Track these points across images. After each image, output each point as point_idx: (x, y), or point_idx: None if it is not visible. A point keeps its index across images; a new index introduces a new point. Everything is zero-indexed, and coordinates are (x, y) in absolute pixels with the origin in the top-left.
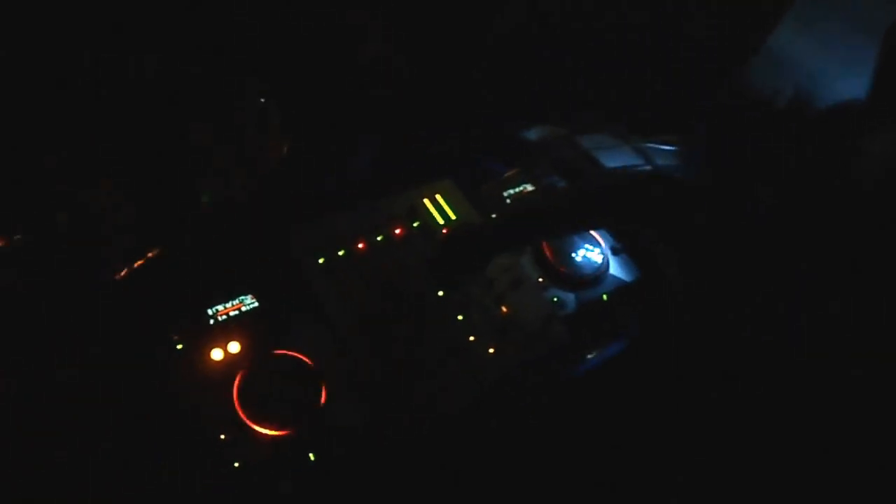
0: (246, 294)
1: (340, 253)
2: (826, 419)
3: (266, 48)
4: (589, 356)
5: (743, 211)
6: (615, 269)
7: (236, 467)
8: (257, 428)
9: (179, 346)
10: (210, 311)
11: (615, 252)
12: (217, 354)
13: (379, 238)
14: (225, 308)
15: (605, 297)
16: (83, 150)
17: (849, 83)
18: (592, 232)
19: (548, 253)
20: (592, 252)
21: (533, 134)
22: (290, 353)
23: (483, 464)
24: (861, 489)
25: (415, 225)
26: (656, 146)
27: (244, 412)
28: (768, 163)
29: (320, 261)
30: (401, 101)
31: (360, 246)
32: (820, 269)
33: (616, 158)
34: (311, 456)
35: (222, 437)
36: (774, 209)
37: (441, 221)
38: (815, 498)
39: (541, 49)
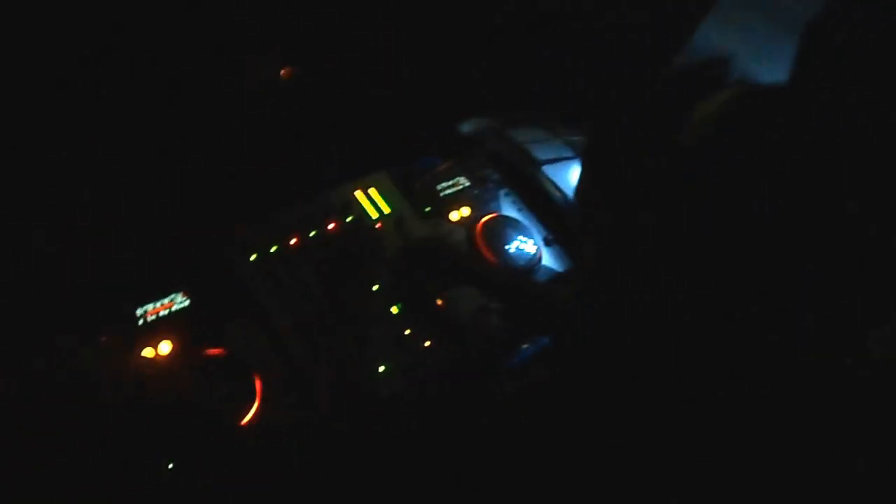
0: (176, 292)
1: (273, 249)
2: (832, 419)
3: None
4: (524, 346)
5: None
6: (548, 259)
7: (170, 468)
8: (191, 426)
9: (108, 348)
10: (139, 311)
11: (548, 243)
12: (147, 354)
13: (312, 233)
14: (155, 307)
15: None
16: None
17: (769, 77)
18: (526, 223)
19: (482, 245)
20: (525, 243)
21: (467, 127)
22: (222, 351)
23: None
24: (866, 489)
25: (348, 219)
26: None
27: (177, 411)
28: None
29: (252, 258)
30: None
31: (293, 242)
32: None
33: (547, 151)
34: (247, 454)
35: (155, 436)
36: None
37: (375, 215)
38: (819, 498)
39: (473, 41)
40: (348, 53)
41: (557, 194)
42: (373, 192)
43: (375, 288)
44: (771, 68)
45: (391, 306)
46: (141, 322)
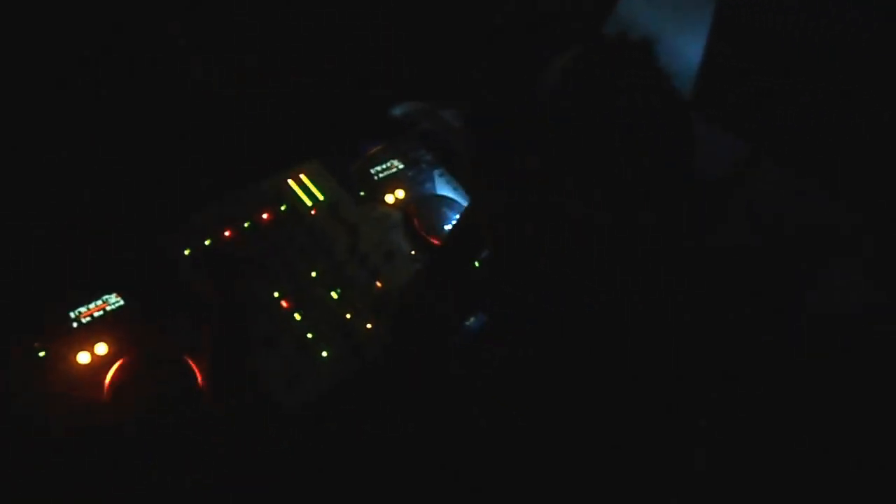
0: (110, 293)
1: (207, 242)
2: (826, 419)
3: None
4: (467, 323)
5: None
6: None
7: (112, 468)
8: (132, 428)
9: (42, 353)
10: (73, 314)
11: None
12: (84, 358)
13: (246, 224)
14: (88, 309)
15: (476, 264)
16: None
17: (689, 48)
18: (460, 200)
19: (418, 225)
20: None
21: (398, 110)
22: (160, 349)
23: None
24: (861, 489)
25: (282, 208)
26: None
27: (117, 414)
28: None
29: (186, 252)
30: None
31: (227, 234)
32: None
33: None
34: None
35: (95, 440)
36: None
37: (309, 203)
38: (815, 498)
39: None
40: (279, 45)
41: None
42: (305, 179)
43: (314, 275)
44: (691, 41)
45: (331, 292)
46: (76, 325)
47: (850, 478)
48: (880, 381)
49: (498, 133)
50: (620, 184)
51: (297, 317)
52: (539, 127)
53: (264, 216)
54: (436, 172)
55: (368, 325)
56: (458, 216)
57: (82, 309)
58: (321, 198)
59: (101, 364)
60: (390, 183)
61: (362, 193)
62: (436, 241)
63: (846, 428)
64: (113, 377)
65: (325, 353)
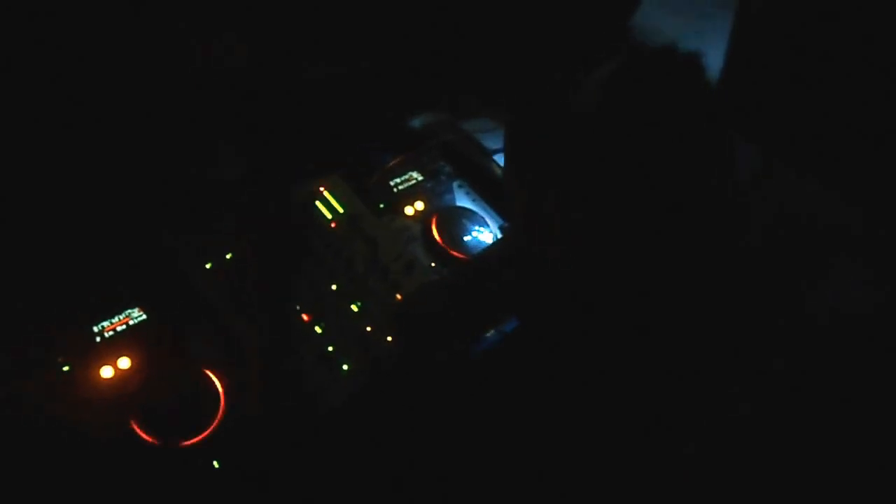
0: (133, 307)
1: (228, 256)
2: (829, 418)
3: None
4: (487, 335)
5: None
6: None
7: (138, 484)
8: (155, 442)
9: (66, 368)
10: (96, 328)
11: (504, 231)
12: (107, 372)
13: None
14: (111, 323)
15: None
16: None
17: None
18: (481, 212)
19: (438, 237)
20: (482, 233)
21: (417, 122)
22: (184, 362)
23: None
24: (862, 489)
25: None
26: None
27: (141, 428)
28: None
29: (208, 266)
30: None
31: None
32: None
33: (498, 140)
34: (216, 463)
35: (119, 454)
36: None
37: (329, 216)
38: (817, 496)
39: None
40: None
41: None
42: (325, 192)
43: (334, 288)
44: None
45: (351, 304)
46: (98, 339)
47: (851, 477)
48: (884, 380)
49: (535, 155)
50: (659, 206)
51: (318, 329)
52: (574, 148)
53: None
54: (455, 184)
55: (389, 338)
56: (478, 228)
57: (105, 323)
58: (341, 210)
59: (124, 378)
60: (410, 195)
61: (382, 206)
62: (456, 253)
63: (848, 427)
64: (136, 391)
65: (345, 367)
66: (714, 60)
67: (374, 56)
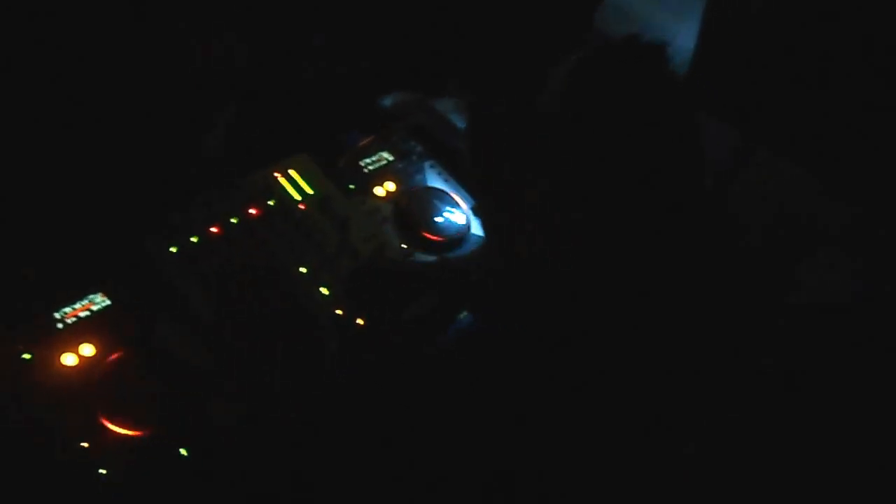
0: (95, 293)
1: (194, 239)
2: (816, 412)
3: None
4: (460, 316)
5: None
6: (478, 228)
7: (103, 474)
8: (121, 430)
9: (27, 356)
10: (57, 315)
11: (476, 211)
12: (70, 360)
13: (234, 220)
14: (73, 309)
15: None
16: None
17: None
18: (452, 193)
19: (409, 218)
20: (453, 214)
21: (388, 101)
22: (150, 349)
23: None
24: (862, 489)
25: (270, 203)
26: None
27: (105, 416)
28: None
29: (173, 249)
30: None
31: (215, 230)
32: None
33: None
34: (183, 451)
35: (84, 445)
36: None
37: (298, 197)
38: (810, 495)
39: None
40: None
41: None
42: (293, 173)
43: (304, 270)
44: (684, 28)
45: (321, 288)
46: (60, 326)
47: (850, 478)
48: (870, 371)
49: (501, 144)
50: (628, 192)
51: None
52: (543, 138)
53: (252, 211)
54: (427, 164)
55: (360, 322)
56: (449, 209)
57: (67, 309)
58: (310, 192)
59: (87, 365)
60: (380, 175)
61: (352, 187)
62: (428, 235)
63: (837, 421)
64: (101, 377)
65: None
66: (687, 39)
67: (342, 33)
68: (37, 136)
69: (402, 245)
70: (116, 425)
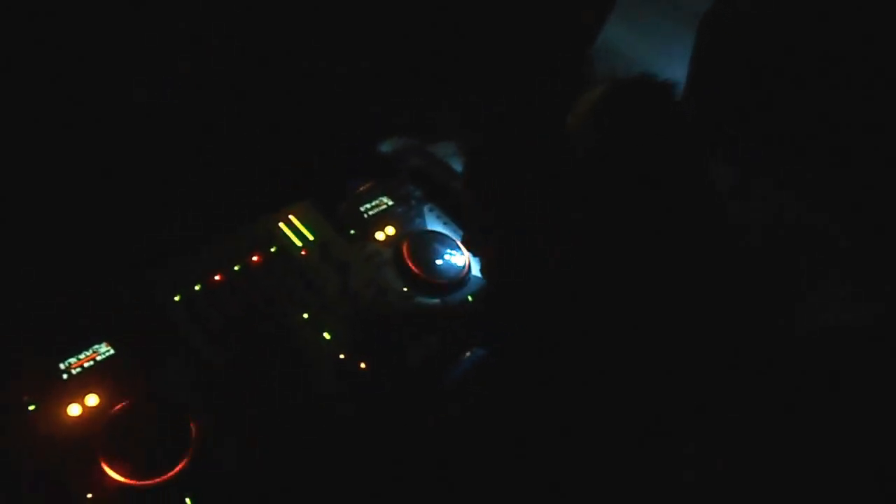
0: (100, 343)
1: (197, 288)
2: (824, 420)
3: None
4: (463, 358)
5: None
6: (477, 269)
7: None
8: (126, 480)
9: (32, 407)
10: (62, 365)
11: (469, 233)
12: (74, 410)
13: (236, 268)
14: (78, 360)
15: (470, 298)
16: None
17: (672, 72)
18: (452, 235)
19: (409, 262)
20: (454, 256)
21: (386, 147)
22: (155, 398)
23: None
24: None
25: (272, 250)
26: None
27: (110, 466)
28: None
29: (176, 298)
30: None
31: (218, 278)
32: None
33: None
34: (188, 501)
35: (89, 496)
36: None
37: (299, 243)
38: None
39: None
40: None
41: None
42: (294, 220)
43: (306, 316)
44: (674, 64)
45: (323, 333)
46: (65, 376)
47: (849, 478)
48: (877, 392)
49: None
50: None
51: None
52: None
53: (254, 259)
54: (426, 208)
55: (363, 365)
56: (449, 251)
57: (72, 360)
58: (311, 238)
59: (92, 415)
60: (380, 220)
61: (353, 232)
62: (428, 278)
63: (838, 421)
64: (106, 427)
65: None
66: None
67: (338, 81)
68: (39, 182)
69: (404, 288)
70: (121, 475)
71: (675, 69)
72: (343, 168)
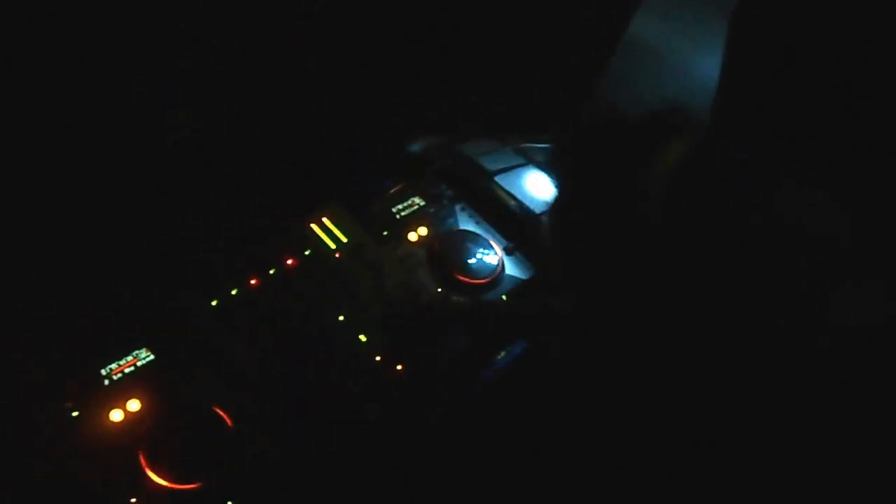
0: (140, 347)
1: (233, 292)
2: (826, 421)
3: None
4: (498, 357)
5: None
6: (511, 268)
7: None
8: (169, 485)
9: (75, 413)
10: (103, 371)
11: (509, 252)
12: (117, 415)
13: (272, 272)
14: (119, 365)
15: (504, 297)
16: None
17: (704, 64)
18: (485, 235)
19: (442, 261)
20: (487, 255)
21: (416, 146)
22: (194, 402)
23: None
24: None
25: (307, 253)
26: (534, 145)
27: (153, 471)
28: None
29: (213, 303)
30: None
31: (253, 282)
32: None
33: (498, 161)
34: None
35: (133, 501)
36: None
37: (333, 246)
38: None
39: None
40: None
41: (513, 202)
42: (327, 222)
43: (341, 318)
44: (707, 56)
45: (359, 335)
46: (107, 382)
47: (849, 478)
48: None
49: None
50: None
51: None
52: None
53: (289, 262)
54: (457, 207)
55: (399, 367)
56: (482, 251)
57: (113, 366)
58: (344, 240)
59: (134, 421)
60: (412, 221)
61: (385, 233)
62: (462, 277)
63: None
64: (148, 431)
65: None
66: (711, 69)
67: (367, 82)
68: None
69: (437, 289)
70: (165, 479)
71: (708, 63)
72: (371, 169)
